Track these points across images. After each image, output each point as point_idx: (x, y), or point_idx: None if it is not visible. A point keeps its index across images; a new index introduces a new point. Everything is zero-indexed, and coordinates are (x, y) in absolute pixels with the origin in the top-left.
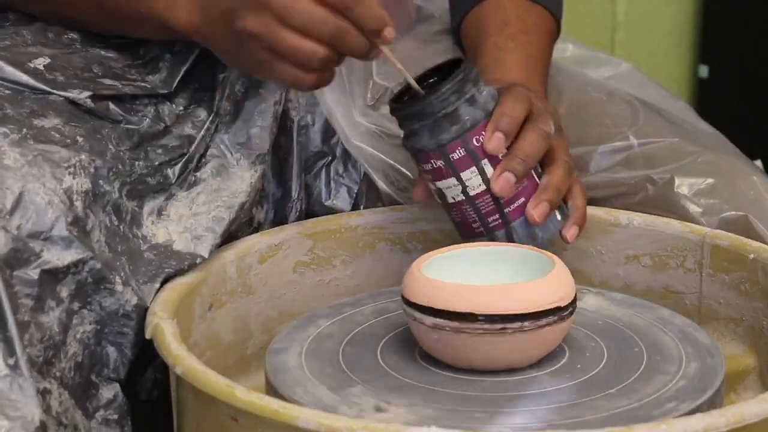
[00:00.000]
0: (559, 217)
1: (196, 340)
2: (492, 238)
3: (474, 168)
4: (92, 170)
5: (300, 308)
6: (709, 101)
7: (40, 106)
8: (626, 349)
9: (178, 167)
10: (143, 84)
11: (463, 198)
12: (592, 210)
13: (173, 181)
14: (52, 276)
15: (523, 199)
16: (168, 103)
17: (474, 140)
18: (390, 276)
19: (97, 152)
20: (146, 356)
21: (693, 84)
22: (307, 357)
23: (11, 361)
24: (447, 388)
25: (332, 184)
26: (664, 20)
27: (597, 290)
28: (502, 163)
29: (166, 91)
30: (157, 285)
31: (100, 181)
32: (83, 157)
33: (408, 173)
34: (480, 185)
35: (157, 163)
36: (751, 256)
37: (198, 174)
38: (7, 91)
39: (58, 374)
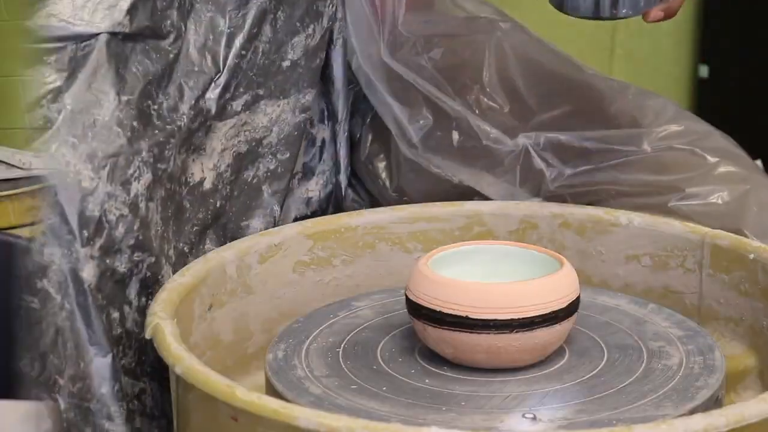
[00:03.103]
0: None
1: (196, 340)
2: None
3: None
4: (151, 161)
5: (300, 308)
6: (709, 101)
7: None
8: (626, 348)
9: (215, 95)
10: None
11: None
12: (592, 210)
13: (213, 113)
14: (121, 284)
15: None
16: None
17: None
18: (390, 276)
19: (151, 133)
20: None
21: (693, 84)
22: (308, 357)
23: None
24: (448, 387)
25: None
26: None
27: (596, 289)
28: None
29: None
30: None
31: (159, 164)
32: (144, 154)
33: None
34: None
35: (201, 105)
36: (751, 256)
37: (234, 104)
38: None
39: (149, 370)
